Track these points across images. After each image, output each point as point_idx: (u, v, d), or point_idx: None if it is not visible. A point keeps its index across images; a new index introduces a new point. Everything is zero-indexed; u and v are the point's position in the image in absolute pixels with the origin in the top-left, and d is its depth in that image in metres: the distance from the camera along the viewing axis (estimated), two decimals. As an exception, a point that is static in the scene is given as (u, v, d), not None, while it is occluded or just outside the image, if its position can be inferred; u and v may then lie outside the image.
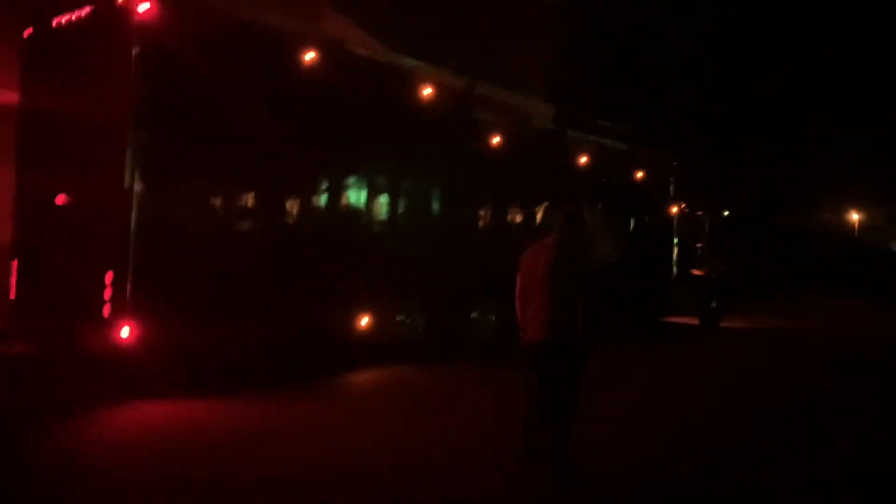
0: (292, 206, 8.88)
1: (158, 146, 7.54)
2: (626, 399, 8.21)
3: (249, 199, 8.43)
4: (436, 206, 10.91)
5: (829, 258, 31.52)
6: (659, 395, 8.77)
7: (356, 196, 9.65)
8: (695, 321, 16.05)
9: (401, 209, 10.21)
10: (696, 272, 15.92)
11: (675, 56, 24.18)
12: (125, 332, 7.34)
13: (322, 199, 9.20)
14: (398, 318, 10.11)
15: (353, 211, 9.58)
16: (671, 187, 15.27)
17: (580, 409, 5.42)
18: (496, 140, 11.25)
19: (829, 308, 22.13)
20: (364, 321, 9.52)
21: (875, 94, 29.10)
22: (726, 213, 17.43)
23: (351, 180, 9.57)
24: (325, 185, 9.21)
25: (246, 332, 8.09)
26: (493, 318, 11.42)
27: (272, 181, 8.54)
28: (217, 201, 8.17)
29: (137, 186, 7.45)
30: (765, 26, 27.45)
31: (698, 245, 16.15)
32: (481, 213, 11.60)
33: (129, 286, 7.38)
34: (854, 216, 37.31)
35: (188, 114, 7.77)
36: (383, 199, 10.02)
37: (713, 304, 15.96)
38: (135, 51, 7.44)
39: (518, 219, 12.28)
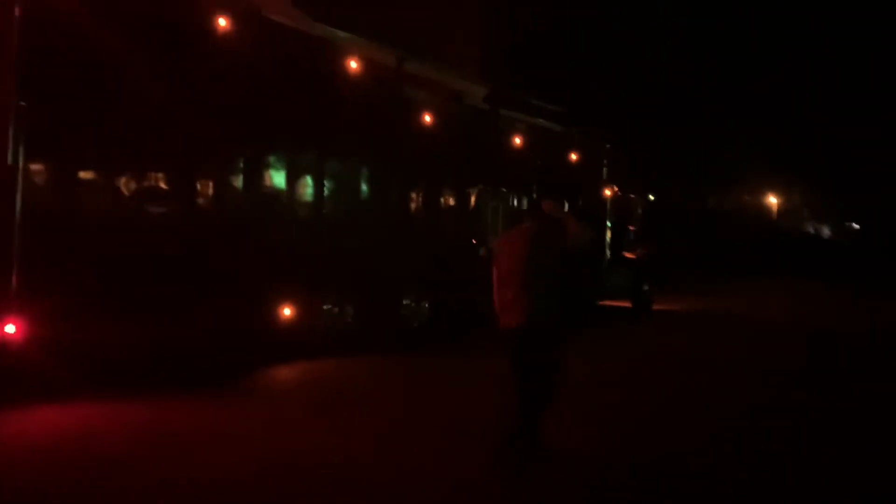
0: (203, 187, 8.17)
1: (46, 118, 6.71)
2: (595, 393, 7.76)
3: (153, 180, 7.66)
4: (363, 187, 10.34)
5: (751, 241, 32.39)
6: (625, 387, 8.27)
7: (275, 177, 8.99)
8: (627, 304, 15.98)
9: (326, 191, 9.61)
10: (628, 255, 15.83)
11: (605, 38, 24.17)
12: (10, 328, 6.53)
13: (237, 180, 8.51)
14: (325, 307, 9.52)
15: (272, 193, 8.93)
16: (605, 170, 15.11)
17: (557, 400, 5.35)
18: (427, 120, 10.74)
19: (752, 289, 22.62)
20: (287, 311, 8.88)
21: (792, 81, 30.02)
22: (651, 196, 17.42)
23: (269, 159, 8.90)
24: (240, 165, 8.51)
25: (152, 327, 7.33)
26: (426, 304, 10.97)
27: (179, 160, 7.79)
28: (115, 181, 7.38)
29: (23, 163, 6.61)
30: (691, 9, 27.83)
31: (630, 228, 16.06)
32: (412, 195, 11.11)
33: (13, 276, 6.56)
34: (772, 199, 38.49)
35: (81, 83, 6.95)
36: (306, 180, 9.39)
37: (646, 287, 15.91)
38: (16, 10, 6.57)
39: (450, 201, 11.83)
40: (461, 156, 11.37)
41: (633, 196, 16.29)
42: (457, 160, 11.32)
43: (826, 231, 40.37)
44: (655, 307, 16.15)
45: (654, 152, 24.85)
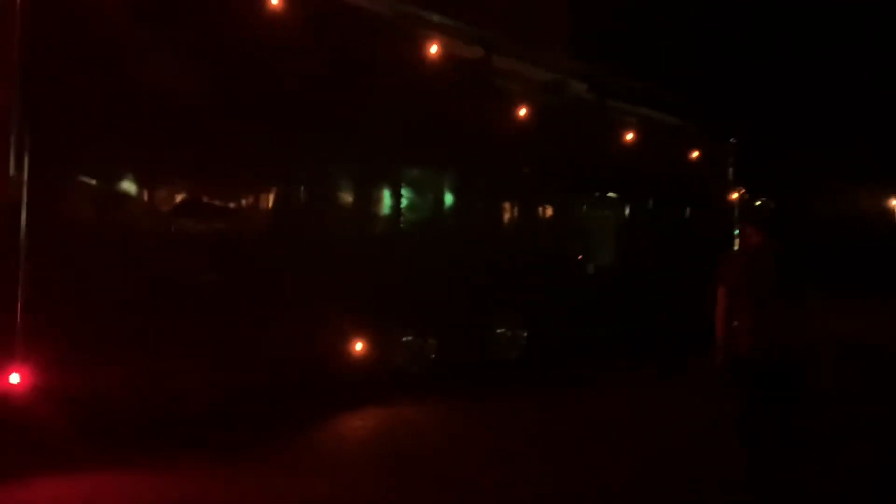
0: (249, 199, 6.80)
1: (54, 123, 5.52)
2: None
3: (188, 192, 6.33)
4: (448, 197, 8.75)
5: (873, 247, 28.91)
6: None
7: (342, 185, 7.55)
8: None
9: (403, 201, 8.08)
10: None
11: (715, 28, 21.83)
12: (14, 377, 5.34)
13: (293, 190, 7.09)
14: (403, 340, 7.99)
15: (336, 205, 7.47)
16: (730, 169, 12.97)
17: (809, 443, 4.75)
18: (521, 115, 9.08)
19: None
20: (358, 346, 7.41)
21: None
22: (758, 202, 14.88)
23: (333, 165, 7.45)
24: (296, 173, 7.08)
25: (186, 371, 5.99)
26: (524, 333, 9.26)
27: (221, 168, 6.44)
28: (142, 195, 6.09)
29: (28, 177, 5.42)
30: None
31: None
32: (505, 204, 9.44)
33: (18, 314, 5.37)
34: (894, 202, 34.43)
35: (97, 79, 5.75)
36: (379, 189, 7.91)
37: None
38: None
39: (550, 211, 10.08)
40: (563, 156, 9.63)
41: (764, 199, 13.95)
42: (558, 162, 9.60)
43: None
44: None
45: (776, 150, 22.24)
